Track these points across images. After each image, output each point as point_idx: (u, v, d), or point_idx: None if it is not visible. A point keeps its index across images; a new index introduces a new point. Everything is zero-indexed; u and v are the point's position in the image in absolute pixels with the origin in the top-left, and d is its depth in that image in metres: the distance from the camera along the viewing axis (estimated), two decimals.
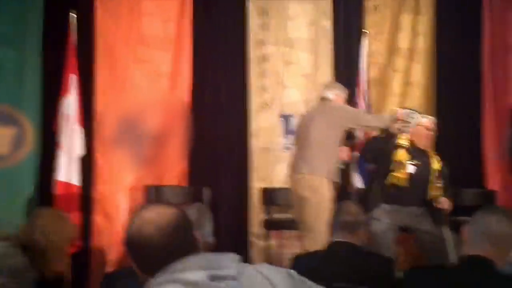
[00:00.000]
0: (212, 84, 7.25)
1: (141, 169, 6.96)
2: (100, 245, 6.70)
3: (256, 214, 7.14)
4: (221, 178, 7.14)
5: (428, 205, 5.89)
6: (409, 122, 5.94)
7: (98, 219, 6.77)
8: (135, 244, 2.10)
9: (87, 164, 6.66)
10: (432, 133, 6.10)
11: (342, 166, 6.08)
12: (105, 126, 6.89)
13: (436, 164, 5.99)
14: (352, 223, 4.00)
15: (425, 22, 7.73)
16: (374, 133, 6.44)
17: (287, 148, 7.01)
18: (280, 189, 6.87)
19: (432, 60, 7.67)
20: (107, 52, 6.94)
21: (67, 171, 6.36)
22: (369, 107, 7.19)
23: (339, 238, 3.97)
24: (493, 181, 7.33)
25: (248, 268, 2.11)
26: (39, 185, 6.58)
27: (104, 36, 6.94)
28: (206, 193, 6.81)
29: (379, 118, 6.23)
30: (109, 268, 6.54)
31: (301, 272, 2.22)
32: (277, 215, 7.05)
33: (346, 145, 6.09)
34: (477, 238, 2.82)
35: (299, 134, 6.07)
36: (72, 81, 6.48)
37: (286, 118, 7.37)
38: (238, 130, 7.26)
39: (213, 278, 1.97)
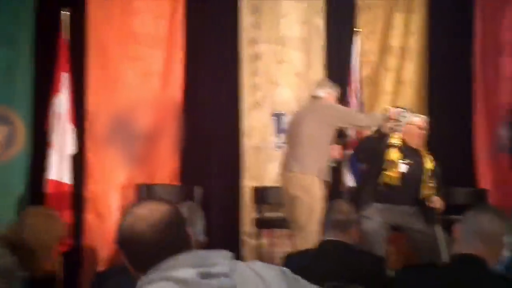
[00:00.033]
0: (204, 83, 7.23)
1: (132, 167, 6.95)
2: (92, 244, 6.68)
3: (248, 213, 7.14)
4: (212, 177, 7.14)
5: (420, 204, 5.90)
6: (400, 121, 5.95)
7: (89, 217, 6.75)
8: (127, 240, 2.08)
9: (79, 162, 6.64)
10: (424, 132, 6.11)
11: (334, 165, 6.08)
12: (97, 124, 6.87)
13: (428, 163, 6.01)
14: (344, 221, 4.01)
15: (417, 21, 7.76)
16: (366, 132, 6.44)
17: (279, 147, 7.00)
18: (271, 188, 6.87)
19: (424, 59, 7.70)
20: (99, 51, 6.92)
21: (58, 169, 6.34)
22: (361, 106, 7.20)
23: (331, 236, 3.98)
24: (485, 180, 7.35)
25: (241, 265, 2.10)
26: (30, 183, 6.56)
27: (96, 34, 6.91)
28: (198, 191, 6.81)
29: (371, 117, 6.22)
30: (101, 267, 6.53)
31: (292, 270, 2.22)
32: (269, 214, 7.05)
33: (338, 143, 6.09)
34: (469, 237, 2.83)
35: (291, 132, 6.07)
36: (64, 80, 6.47)
37: (278, 116, 7.37)
38: (230, 128, 7.25)
39: (205, 275, 1.96)
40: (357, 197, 5.95)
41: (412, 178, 5.89)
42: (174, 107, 7.11)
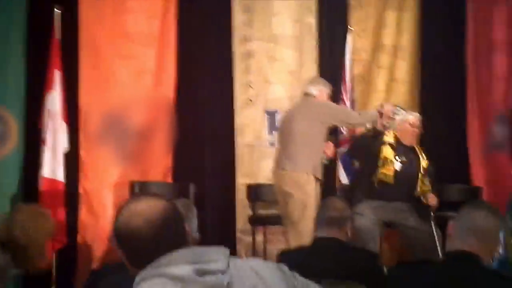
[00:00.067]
0: (197, 81, 7.23)
1: (126, 165, 6.94)
2: (86, 242, 6.68)
3: (242, 210, 7.15)
4: (206, 175, 7.14)
5: (415, 201, 5.92)
6: (394, 119, 5.96)
7: (83, 215, 6.74)
8: (122, 236, 2.05)
9: (72, 160, 6.64)
10: (417, 129, 6.12)
11: (326, 162, 6.08)
12: (90, 122, 6.86)
13: (423, 161, 6.03)
14: (338, 218, 4.01)
15: (409, 19, 7.77)
16: (360, 129, 6.46)
17: (272, 144, 7.01)
18: (265, 185, 6.84)
19: (416, 57, 7.70)
20: (91, 48, 6.91)
21: (52, 167, 6.33)
22: (353, 104, 7.20)
23: (325, 233, 3.98)
24: (478, 177, 7.38)
25: (238, 262, 2.09)
26: (24, 181, 6.56)
27: (88, 32, 6.90)
28: (192, 189, 6.81)
29: (363, 115, 6.22)
30: (96, 264, 6.53)
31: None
32: (263, 211, 7.06)
33: (330, 140, 6.09)
34: (463, 233, 2.83)
35: (283, 130, 6.07)
36: (57, 77, 6.46)
37: (270, 114, 7.37)
38: (223, 126, 7.25)
39: (201, 272, 1.94)
40: (351, 194, 5.97)
41: (406, 176, 5.91)
42: (167, 105, 7.11)
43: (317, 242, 4.01)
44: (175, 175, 7.07)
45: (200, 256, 1.99)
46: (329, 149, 6.01)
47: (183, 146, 7.05)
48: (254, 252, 6.93)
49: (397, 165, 5.90)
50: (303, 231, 5.48)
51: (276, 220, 6.22)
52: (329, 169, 6.42)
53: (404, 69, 7.72)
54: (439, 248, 5.62)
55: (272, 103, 7.38)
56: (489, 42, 7.50)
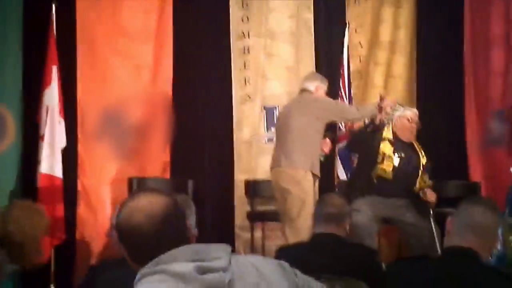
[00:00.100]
0: (194, 77, 7.22)
1: (124, 161, 6.93)
2: (85, 237, 6.68)
3: (241, 207, 7.15)
4: (204, 171, 7.14)
5: (413, 197, 5.91)
6: (393, 114, 5.97)
7: (81, 211, 6.74)
8: (124, 232, 2.05)
9: (70, 156, 6.63)
10: (414, 125, 6.12)
11: (322, 159, 6.07)
12: (87, 118, 6.85)
13: (422, 158, 6.03)
14: (336, 215, 4.02)
15: (406, 15, 7.78)
16: (358, 124, 6.45)
17: (270, 140, 7.01)
18: (263, 181, 6.84)
19: (413, 53, 7.70)
20: (89, 45, 6.89)
21: (50, 163, 6.32)
22: (350, 100, 7.21)
23: (323, 229, 3.99)
24: (476, 173, 7.38)
25: (240, 259, 2.08)
26: (21, 177, 6.54)
27: (85, 27, 6.89)
28: (190, 185, 6.81)
29: (362, 110, 6.19)
30: (94, 260, 6.53)
31: None
32: (261, 207, 7.06)
33: (327, 137, 6.07)
34: (462, 229, 2.83)
35: (279, 126, 6.05)
36: (54, 73, 6.44)
37: (268, 110, 7.37)
38: (222, 122, 7.26)
39: (202, 270, 1.93)
40: (349, 190, 5.97)
41: (405, 172, 5.92)
42: (164, 100, 7.10)
43: (315, 238, 4.02)
44: (173, 171, 7.06)
45: (201, 253, 1.99)
46: (326, 145, 6.00)
47: (181, 142, 7.05)
48: (252, 248, 6.93)
49: (396, 161, 5.90)
50: (301, 227, 5.49)
51: (274, 216, 6.21)
52: (327, 165, 6.43)
53: (401, 64, 7.73)
54: (437, 244, 5.63)
55: (270, 99, 7.39)
56: (486, 37, 7.50)
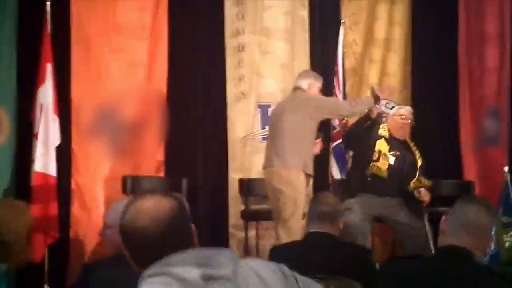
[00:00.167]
0: (189, 74, 7.22)
1: (118, 159, 6.91)
2: (79, 236, 6.67)
3: (235, 205, 7.14)
4: (199, 169, 7.13)
5: (407, 196, 5.91)
6: (387, 113, 5.97)
7: (75, 209, 6.73)
8: (128, 235, 2.01)
9: (64, 154, 6.61)
10: (407, 122, 6.11)
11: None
12: (82, 116, 6.83)
13: (417, 157, 6.03)
14: (330, 213, 4.01)
15: (401, 12, 7.79)
16: (353, 120, 6.43)
17: (265, 138, 7.00)
18: (257, 180, 6.82)
19: (408, 51, 7.71)
20: (83, 42, 6.87)
21: (44, 161, 6.29)
22: (345, 97, 7.19)
23: (317, 228, 3.98)
24: (470, 172, 7.39)
25: (243, 267, 2.01)
26: (15, 176, 6.52)
27: (79, 25, 6.86)
28: (184, 183, 6.80)
29: (359, 104, 6.12)
30: (88, 258, 6.52)
31: (279, 263, 2.20)
32: (255, 206, 7.04)
33: (319, 137, 6.02)
34: (456, 228, 2.82)
35: (272, 125, 6.02)
36: (48, 71, 6.42)
37: (263, 108, 7.37)
38: (216, 120, 7.25)
39: (208, 277, 1.88)
40: (344, 189, 5.97)
41: (400, 170, 5.92)
42: (158, 98, 7.09)
43: (309, 237, 4.02)
44: (168, 170, 7.05)
45: (208, 259, 1.93)
46: (317, 146, 5.96)
47: (176, 140, 7.04)
48: (246, 247, 6.93)
49: (392, 160, 5.90)
50: (294, 227, 5.49)
51: (268, 215, 6.18)
52: (321, 164, 6.42)
53: (396, 62, 7.74)
54: (431, 244, 5.63)
55: (264, 96, 7.39)
56: (481, 36, 7.52)
